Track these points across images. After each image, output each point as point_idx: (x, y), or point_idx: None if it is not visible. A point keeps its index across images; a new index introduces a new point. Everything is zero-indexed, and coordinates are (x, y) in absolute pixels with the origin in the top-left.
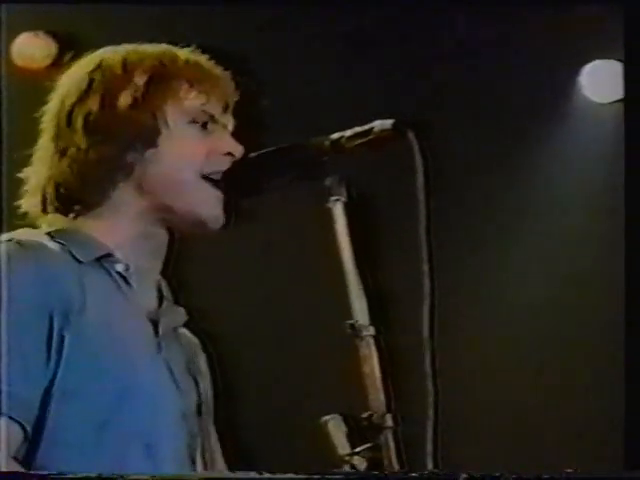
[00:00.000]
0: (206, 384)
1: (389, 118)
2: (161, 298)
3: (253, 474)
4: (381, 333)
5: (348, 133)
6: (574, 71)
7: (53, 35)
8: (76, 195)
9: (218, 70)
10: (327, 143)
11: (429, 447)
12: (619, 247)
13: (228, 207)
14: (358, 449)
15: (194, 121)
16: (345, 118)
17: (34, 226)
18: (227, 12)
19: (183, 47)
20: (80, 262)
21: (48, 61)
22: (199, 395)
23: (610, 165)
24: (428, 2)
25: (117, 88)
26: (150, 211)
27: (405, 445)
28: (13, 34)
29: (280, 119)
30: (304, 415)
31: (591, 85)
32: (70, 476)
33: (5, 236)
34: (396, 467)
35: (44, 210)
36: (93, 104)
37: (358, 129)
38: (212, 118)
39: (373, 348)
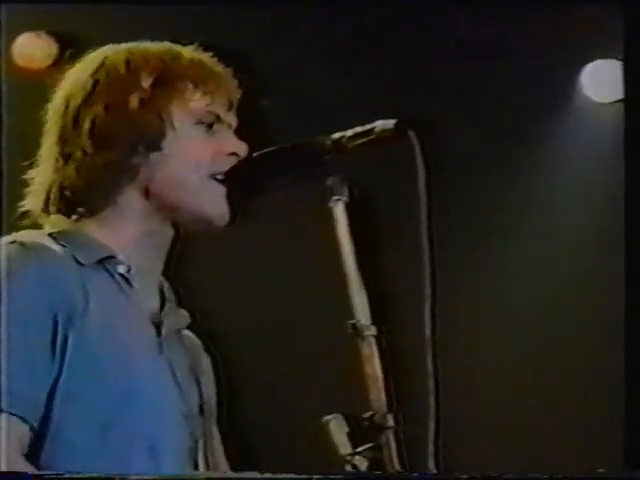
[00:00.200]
0: (209, 385)
1: (390, 118)
2: (163, 300)
3: (255, 474)
4: (383, 333)
5: (350, 133)
6: (575, 71)
7: (54, 35)
8: (81, 198)
9: (221, 68)
10: (329, 143)
11: (430, 447)
12: (619, 247)
13: (232, 204)
14: (359, 449)
15: (200, 122)
16: (346, 118)
17: (36, 226)
18: (227, 12)
19: (185, 45)
20: (82, 264)
21: (49, 61)
22: (201, 396)
23: (611, 165)
24: (428, 2)
25: (123, 90)
26: (155, 212)
27: (406, 445)
28: (14, 34)
29: (281, 119)
30: (306, 415)
31: (592, 85)
32: (70, 476)
33: (8, 238)
34: (397, 467)
35: (47, 211)
36: (99, 107)
37: (359, 129)
38: (217, 118)
39: (375, 348)
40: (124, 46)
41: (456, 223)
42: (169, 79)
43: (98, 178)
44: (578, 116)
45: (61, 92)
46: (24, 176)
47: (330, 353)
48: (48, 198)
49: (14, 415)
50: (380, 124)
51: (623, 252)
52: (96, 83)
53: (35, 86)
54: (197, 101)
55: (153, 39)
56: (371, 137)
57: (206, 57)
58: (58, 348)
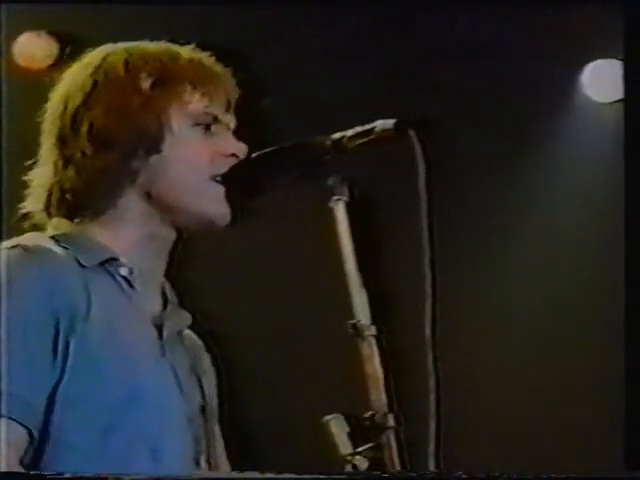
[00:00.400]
0: (211, 386)
1: (390, 118)
2: (165, 301)
3: (256, 474)
4: (383, 333)
5: (350, 133)
6: (575, 70)
7: (54, 35)
8: (82, 202)
9: (219, 68)
10: (329, 143)
11: (431, 447)
12: (619, 247)
13: (233, 204)
14: (360, 449)
15: (198, 124)
16: (347, 118)
17: (38, 228)
18: (227, 12)
19: (184, 44)
20: (84, 267)
21: (49, 61)
22: (203, 397)
23: (611, 164)
24: (428, 2)
25: (122, 93)
26: (156, 215)
27: (407, 445)
28: (15, 34)
29: (282, 119)
30: (306, 414)
31: (592, 84)
32: (69, 476)
33: (10, 242)
34: (398, 467)
35: (48, 213)
36: (98, 110)
37: (360, 129)
38: (215, 119)
39: (375, 348)
40: (122, 46)
41: (456, 223)
42: (168, 80)
43: (98, 181)
44: (578, 116)
45: (59, 92)
46: (24, 177)
47: (330, 353)
48: (49, 200)
49: (12, 419)
50: (380, 124)
51: (623, 252)
52: (95, 84)
53: (36, 86)
54: (195, 103)
55: (154, 39)
56: (371, 137)
57: (205, 57)
58: (60, 352)
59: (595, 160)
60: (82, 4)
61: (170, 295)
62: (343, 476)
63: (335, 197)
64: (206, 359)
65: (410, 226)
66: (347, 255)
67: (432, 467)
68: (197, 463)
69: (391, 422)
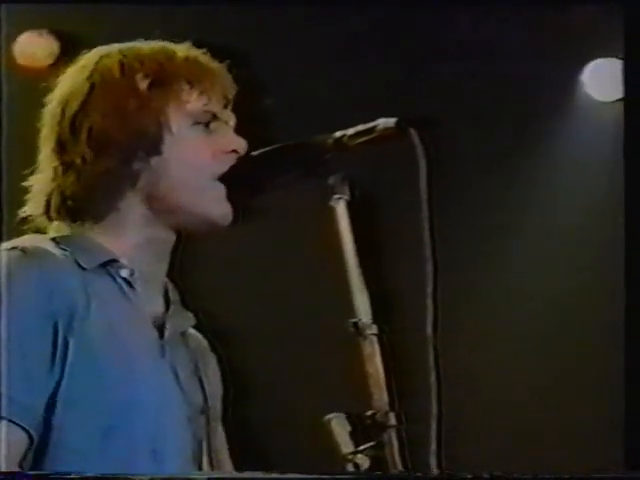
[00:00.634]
0: (215, 385)
1: (392, 116)
2: (168, 302)
3: (259, 474)
4: (384, 332)
5: (351, 131)
6: (576, 69)
7: (55, 34)
8: (83, 207)
9: (215, 64)
10: (330, 141)
11: (433, 446)
12: (619, 247)
13: (234, 203)
14: (361, 447)
15: (197, 122)
16: (348, 116)
17: (39, 231)
18: (229, 12)
19: (180, 42)
20: (84, 269)
21: (50, 60)
22: (205, 397)
23: (612, 163)
24: (429, 2)
25: (119, 95)
26: (158, 216)
27: (408, 443)
28: (16, 33)
29: (283, 118)
30: (307, 413)
31: (593, 83)
32: (71, 476)
33: (9, 244)
34: (399, 465)
35: (49, 218)
36: (96, 114)
37: (361, 127)
38: (214, 116)
39: (376, 347)
40: (116, 48)
41: (457, 222)
42: (165, 81)
43: (99, 186)
44: (579, 115)
45: (56, 98)
46: (25, 182)
47: (331, 352)
48: (49, 205)
49: (11, 422)
50: (382, 122)
51: (623, 252)
52: (91, 89)
53: (37, 85)
54: (194, 102)
55: (154, 38)
56: (373, 135)
57: (200, 54)
58: (58, 354)
59: (596, 159)
60: (83, 4)
61: (173, 296)
62: (348, 476)
63: (336, 196)
64: (211, 359)
65: (411, 225)
66: (348, 254)
67: (433, 466)
68: (198, 463)
69: (392, 421)
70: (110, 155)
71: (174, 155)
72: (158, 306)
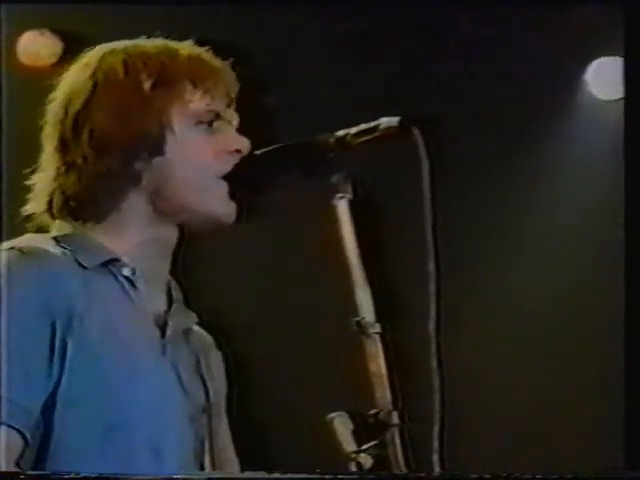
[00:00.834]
0: (219, 383)
1: (394, 115)
2: (170, 300)
3: (262, 474)
4: (387, 330)
5: (354, 130)
6: (579, 68)
7: (58, 33)
8: (85, 207)
9: (218, 62)
10: (333, 140)
11: (435, 445)
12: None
13: (238, 201)
14: (364, 446)
15: (200, 122)
16: (350, 115)
17: (42, 229)
18: (229, 12)
19: (183, 40)
20: (85, 268)
21: (54, 59)
22: (207, 396)
23: (615, 162)
24: (429, 2)
25: (123, 95)
26: (161, 216)
27: (411, 442)
28: (16, 33)
29: (285, 117)
30: (310, 412)
31: (596, 82)
32: (70, 476)
33: (7, 244)
34: (402, 464)
35: (52, 216)
36: (99, 114)
37: (364, 126)
38: (217, 116)
39: (379, 345)
40: (120, 46)
41: (460, 220)
42: (168, 81)
43: (101, 186)
44: (582, 113)
45: (59, 96)
46: (27, 181)
47: (334, 350)
48: (51, 204)
49: (6, 425)
50: (384, 121)
51: (623, 252)
52: (94, 87)
53: (40, 84)
54: (197, 102)
55: (157, 36)
56: (375, 134)
57: (203, 52)
58: (57, 354)
59: (599, 158)
60: (83, 3)
61: (175, 294)
62: (350, 476)
63: (339, 195)
64: (215, 356)
65: (414, 224)
66: (351, 253)
67: (436, 465)
68: (200, 462)
69: (395, 420)
70: (112, 155)
71: (177, 155)
72: (160, 304)
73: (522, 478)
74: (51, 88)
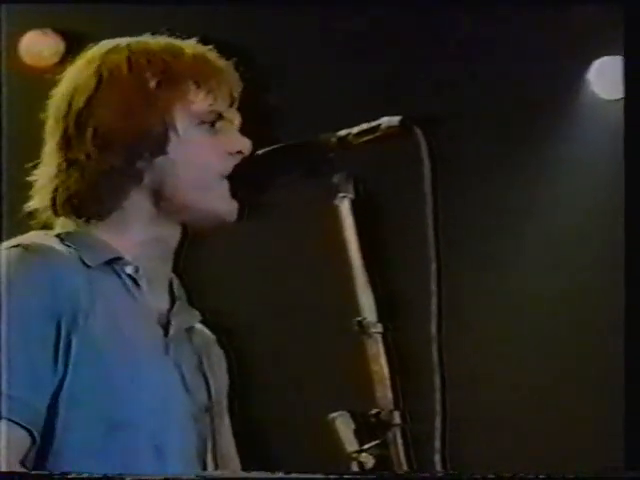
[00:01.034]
0: (221, 381)
1: (395, 115)
2: (173, 298)
3: (264, 474)
4: (389, 330)
5: (355, 130)
6: (582, 68)
7: (61, 33)
8: (88, 204)
9: (222, 62)
10: (334, 140)
11: (437, 444)
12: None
13: (240, 201)
14: (366, 446)
15: (202, 122)
16: (352, 115)
17: (46, 226)
18: (229, 11)
19: (186, 39)
20: (89, 266)
21: (56, 59)
22: (209, 395)
23: (618, 161)
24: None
25: (126, 93)
26: (163, 214)
27: (413, 442)
28: (20, 32)
29: (287, 116)
30: (312, 412)
31: (599, 81)
32: (73, 476)
33: (12, 241)
34: (404, 464)
35: (55, 212)
36: (102, 111)
37: (365, 126)
38: (220, 116)
39: (381, 345)
40: (124, 43)
41: (462, 220)
42: (172, 80)
43: (103, 183)
44: (584, 113)
45: (62, 91)
46: (29, 178)
47: (336, 350)
48: (54, 200)
49: (13, 421)
50: (386, 121)
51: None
52: (98, 84)
53: (42, 83)
54: (200, 102)
55: (162, 34)
56: (377, 134)
57: (207, 51)
58: (61, 352)
59: (601, 158)
60: (83, 3)
61: (178, 292)
62: (352, 476)
63: (340, 194)
64: (217, 353)
65: (415, 223)
66: (352, 252)
67: (438, 464)
68: (203, 461)
69: (397, 419)
70: (115, 153)
71: (179, 155)
72: (163, 303)
73: (525, 478)
74: (53, 84)
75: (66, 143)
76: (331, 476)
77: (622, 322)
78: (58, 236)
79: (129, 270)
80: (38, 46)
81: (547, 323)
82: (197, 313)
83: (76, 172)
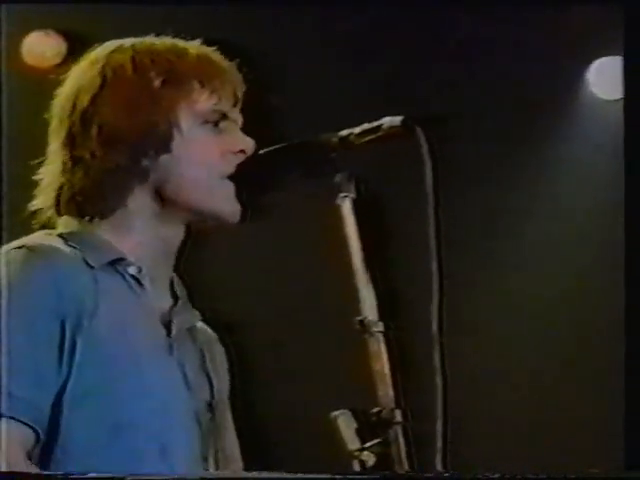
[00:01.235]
0: (222, 380)
1: (395, 115)
2: (175, 298)
3: (265, 474)
4: (390, 329)
5: (357, 130)
6: (581, 68)
7: (63, 33)
8: (92, 202)
9: (226, 62)
10: (336, 140)
11: (438, 443)
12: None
13: (242, 201)
14: (368, 444)
15: (206, 121)
16: (354, 115)
17: (48, 226)
18: (230, 11)
19: (189, 40)
20: (92, 267)
21: (58, 59)
22: (212, 394)
23: (617, 161)
24: (429, 2)
25: (131, 92)
26: (167, 214)
27: (414, 440)
28: (22, 33)
29: (289, 116)
30: (313, 410)
31: (598, 82)
32: (75, 477)
33: (17, 242)
34: (405, 463)
35: (58, 211)
36: (107, 110)
37: (367, 126)
38: (223, 116)
39: (382, 344)
40: (128, 43)
41: (463, 220)
42: (177, 79)
43: (107, 181)
44: (584, 113)
45: (67, 91)
46: (34, 177)
47: (338, 349)
48: (58, 199)
49: (18, 420)
50: (387, 121)
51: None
52: (103, 83)
53: (45, 84)
54: (204, 102)
55: (166, 34)
56: (378, 134)
57: (211, 52)
58: (66, 353)
59: (601, 158)
60: (84, 3)
61: (180, 291)
62: (353, 476)
63: (342, 194)
64: (219, 351)
65: (417, 223)
66: (354, 252)
67: (439, 463)
68: (206, 460)
69: (398, 418)
70: (119, 151)
71: (183, 154)
72: (165, 302)
73: (525, 478)
74: (57, 84)
75: (71, 141)
76: (337, 476)
77: (622, 322)
78: (61, 236)
79: (132, 271)
80: (40, 47)
81: (547, 323)
82: (197, 313)
83: (80, 170)
